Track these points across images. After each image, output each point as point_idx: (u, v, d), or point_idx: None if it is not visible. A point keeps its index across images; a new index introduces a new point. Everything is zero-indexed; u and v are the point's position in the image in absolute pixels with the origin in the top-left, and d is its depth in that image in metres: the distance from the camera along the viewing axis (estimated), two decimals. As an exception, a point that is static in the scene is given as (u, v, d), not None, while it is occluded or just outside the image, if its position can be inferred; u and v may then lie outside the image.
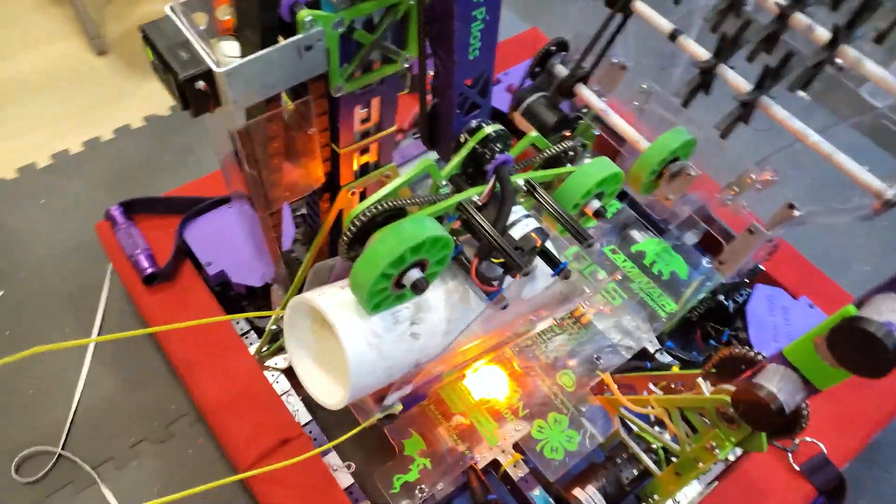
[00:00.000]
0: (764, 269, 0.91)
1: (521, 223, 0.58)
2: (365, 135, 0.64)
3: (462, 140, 0.60)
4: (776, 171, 0.78)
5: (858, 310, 0.48)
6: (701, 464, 0.64)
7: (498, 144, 0.60)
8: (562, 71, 0.85)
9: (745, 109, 0.69)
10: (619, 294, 0.87)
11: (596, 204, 0.65)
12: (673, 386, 0.74)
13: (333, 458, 0.78)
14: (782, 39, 0.70)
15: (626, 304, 0.87)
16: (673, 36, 0.74)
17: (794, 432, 0.63)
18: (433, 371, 0.65)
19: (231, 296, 0.87)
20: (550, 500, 0.77)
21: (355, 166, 0.67)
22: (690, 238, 0.98)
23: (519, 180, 0.61)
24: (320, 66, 0.52)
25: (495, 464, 0.78)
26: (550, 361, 0.83)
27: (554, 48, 0.84)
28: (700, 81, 0.72)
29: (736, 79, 0.71)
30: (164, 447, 0.85)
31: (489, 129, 0.60)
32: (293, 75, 0.51)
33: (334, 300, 0.54)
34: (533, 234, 0.57)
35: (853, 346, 0.46)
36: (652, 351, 0.88)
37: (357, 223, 0.53)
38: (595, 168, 0.63)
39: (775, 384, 0.54)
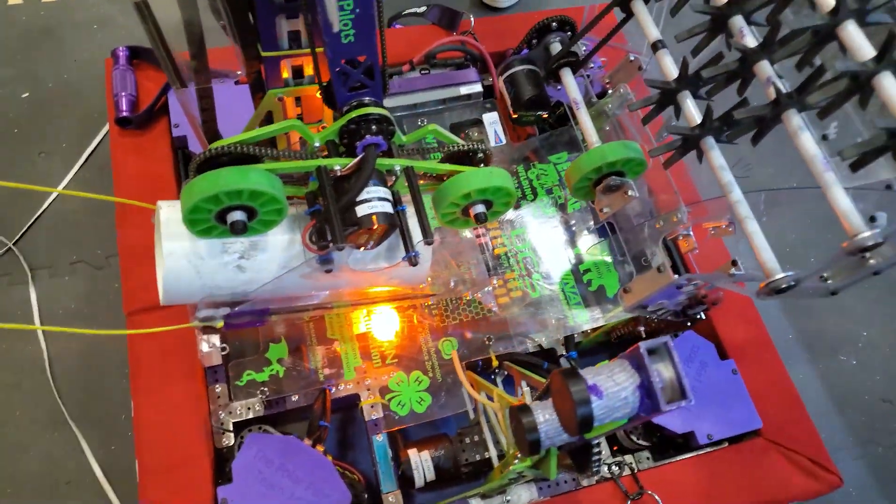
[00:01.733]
0: (704, 317, 0.87)
1: (371, 204, 0.61)
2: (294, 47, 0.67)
3: (344, 111, 0.62)
4: (731, 222, 0.75)
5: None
6: (505, 471, 0.65)
7: (375, 126, 0.62)
8: (557, 50, 0.83)
9: (686, 145, 0.66)
10: (543, 287, 0.87)
11: (480, 208, 0.66)
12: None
13: (214, 338, 0.84)
14: (748, 83, 0.65)
15: (543, 299, 0.86)
16: (655, 46, 0.71)
17: (587, 468, 0.62)
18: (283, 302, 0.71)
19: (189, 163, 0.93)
20: (389, 450, 0.80)
21: (285, 74, 0.70)
22: (658, 258, 0.94)
23: (397, 166, 0.63)
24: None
25: (358, 397, 0.82)
26: (443, 324, 0.85)
27: (555, 24, 0.82)
28: (658, 100, 0.69)
29: (689, 110, 0.67)
30: (97, 273, 0.95)
31: (371, 110, 0.61)
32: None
33: (176, 215, 0.59)
34: (374, 217, 0.61)
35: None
36: (558, 354, 0.87)
37: (200, 158, 0.58)
38: (480, 177, 0.65)
39: (543, 415, 0.54)
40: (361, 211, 0.62)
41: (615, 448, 0.88)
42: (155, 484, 0.74)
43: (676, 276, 0.72)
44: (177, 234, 0.61)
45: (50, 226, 0.98)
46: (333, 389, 0.82)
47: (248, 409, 0.81)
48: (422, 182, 0.72)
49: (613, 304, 0.86)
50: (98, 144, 1.04)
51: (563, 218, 0.92)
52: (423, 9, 1.08)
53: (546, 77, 0.84)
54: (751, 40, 0.64)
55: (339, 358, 0.83)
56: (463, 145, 0.70)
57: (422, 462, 0.81)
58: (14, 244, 0.96)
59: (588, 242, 0.90)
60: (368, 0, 0.54)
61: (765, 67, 0.61)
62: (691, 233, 0.76)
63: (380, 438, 0.82)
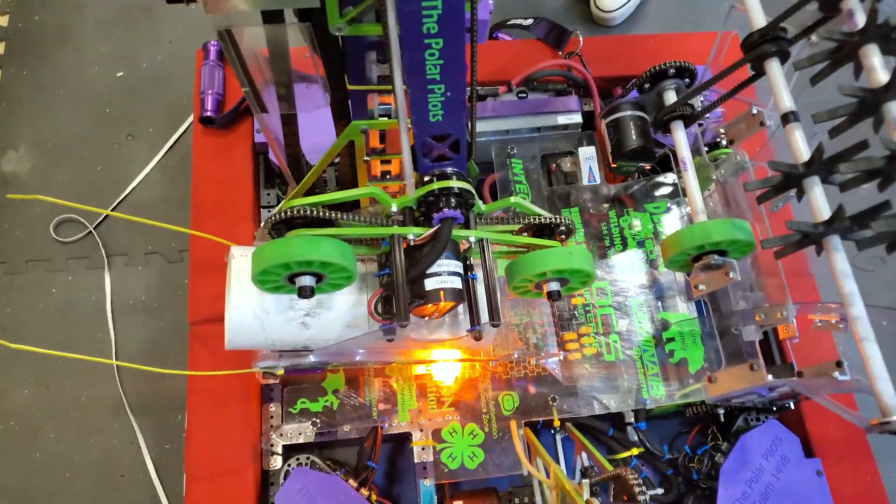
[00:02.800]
0: (792, 407, 0.79)
1: (441, 278, 0.60)
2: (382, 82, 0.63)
3: (426, 180, 0.59)
4: (843, 319, 0.67)
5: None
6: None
7: (454, 200, 0.59)
8: (671, 99, 0.75)
9: (804, 241, 0.58)
10: (619, 350, 0.81)
11: (554, 286, 0.63)
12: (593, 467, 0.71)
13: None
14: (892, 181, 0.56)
15: (618, 363, 0.80)
16: (786, 118, 0.62)
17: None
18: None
19: (269, 169, 0.91)
20: (435, 497, 0.77)
21: (371, 105, 0.66)
22: (750, 333, 0.86)
23: (472, 237, 0.60)
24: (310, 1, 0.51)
25: (410, 436, 0.79)
26: (506, 376, 0.80)
27: (673, 70, 0.74)
28: (780, 184, 0.61)
29: (816, 201, 0.59)
30: (170, 267, 0.95)
31: (452, 183, 0.59)
32: (274, 0, 0.51)
33: (247, 266, 0.60)
34: (441, 293, 0.59)
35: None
36: (626, 420, 0.82)
37: (273, 219, 0.59)
38: (558, 257, 0.63)
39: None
40: (430, 285, 0.60)
41: (674, 528, 0.82)
42: (200, 498, 0.74)
43: (771, 377, 0.65)
44: (245, 287, 0.62)
45: (129, 212, 0.99)
46: (386, 426, 0.80)
47: (300, 433, 0.80)
48: (498, 249, 0.68)
49: (695, 380, 0.80)
50: (183, 133, 1.03)
51: (653, 276, 0.85)
52: (529, 21, 1.01)
53: (655, 127, 0.76)
54: (905, 135, 0.54)
55: (394, 395, 0.80)
56: (546, 218, 0.64)
57: (467, 518, 0.78)
58: (94, 228, 0.97)
59: (678, 308, 0.83)
60: (461, 86, 0.49)
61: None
62: (794, 319, 0.68)
63: (427, 483, 0.79)
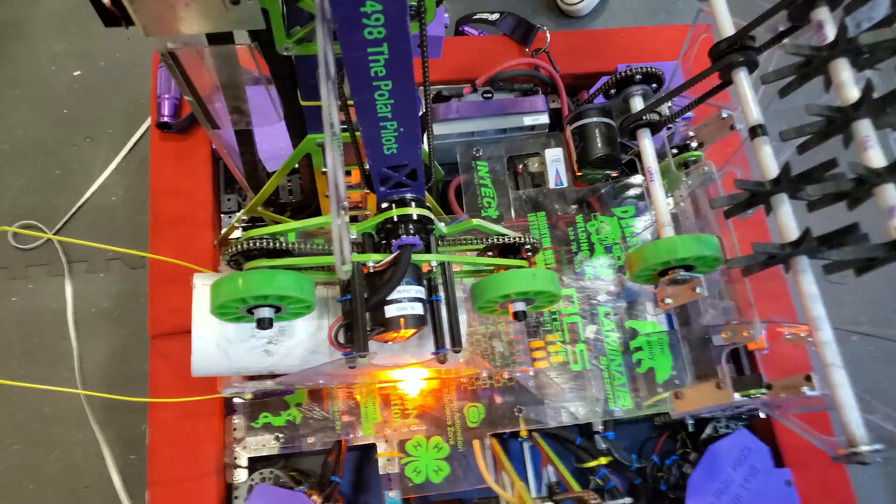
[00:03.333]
0: (763, 416, 0.78)
1: (401, 305, 0.58)
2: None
3: (384, 207, 0.56)
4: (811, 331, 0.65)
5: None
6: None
7: (413, 227, 0.58)
8: (638, 105, 0.72)
9: (771, 261, 0.56)
10: (584, 360, 0.79)
11: (520, 307, 0.61)
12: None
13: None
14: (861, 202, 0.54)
15: (585, 373, 0.78)
16: (754, 132, 0.60)
17: None
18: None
19: (229, 173, 0.88)
20: (401, 507, 0.75)
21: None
22: (718, 341, 0.84)
23: (433, 262, 0.59)
24: (255, 22, 0.47)
25: (375, 447, 0.78)
26: (472, 386, 0.78)
27: (640, 77, 0.70)
28: (748, 200, 0.58)
29: (784, 219, 0.56)
30: (132, 273, 0.91)
31: (413, 211, 0.57)
32: (217, 24, 0.47)
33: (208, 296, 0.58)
34: (401, 320, 0.58)
35: None
36: (594, 429, 0.80)
37: (230, 251, 0.57)
38: (522, 279, 0.62)
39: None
40: (390, 312, 0.58)
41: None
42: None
43: (738, 396, 0.63)
44: (207, 317, 0.61)
45: (89, 218, 0.96)
46: (350, 436, 0.77)
47: (264, 445, 0.77)
48: (463, 268, 0.66)
49: (663, 389, 0.78)
50: (143, 134, 0.99)
51: (621, 282, 0.83)
52: (495, 16, 0.97)
53: (621, 133, 0.73)
54: (876, 156, 0.52)
55: (358, 407, 0.78)
56: (511, 238, 0.62)
57: (433, 530, 0.76)
58: (54, 233, 0.94)
59: (646, 316, 0.81)
60: (414, 120, 0.46)
61: (890, 194, 0.49)
62: (759, 338, 0.66)
63: (393, 495, 0.77)
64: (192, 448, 0.76)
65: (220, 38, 0.53)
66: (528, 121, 0.89)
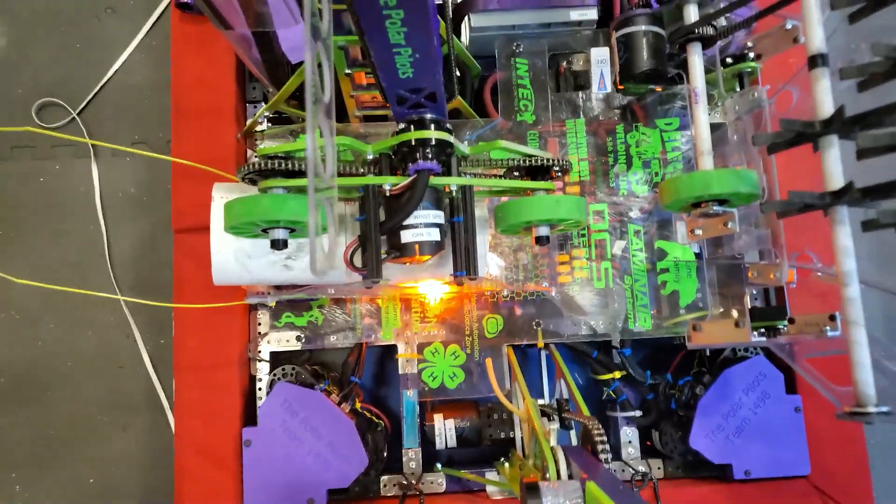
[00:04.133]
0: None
1: (417, 231, 0.58)
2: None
3: (402, 127, 0.54)
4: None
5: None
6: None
7: (432, 150, 0.56)
8: (692, 14, 0.67)
9: (807, 208, 0.54)
10: (608, 278, 0.79)
11: (543, 231, 0.60)
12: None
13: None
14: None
15: (609, 291, 0.79)
16: (813, 61, 0.56)
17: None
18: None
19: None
20: (417, 406, 0.80)
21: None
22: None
23: (454, 185, 0.56)
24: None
25: (395, 348, 0.82)
26: (493, 299, 0.80)
27: (698, -20, 0.65)
28: (794, 139, 0.55)
29: (831, 164, 0.54)
30: (157, 160, 0.92)
31: (432, 134, 0.55)
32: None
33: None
34: (417, 246, 0.58)
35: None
36: (612, 344, 0.82)
37: (245, 169, 0.57)
38: (545, 206, 0.61)
39: (552, 498, 0.51)
40: (406, 237, 0.59)
41: (648, 443, 0.85)
42: (190, 412, 0.78)
43: (755, 335, 0.64)
44: (224, 233, 0.60)
45: (113, 98, 0.95)
46: (371, 338, 0.81)
47: (287, 341, 0.82)
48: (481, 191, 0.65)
49: (685, 312, 0.79)
50: (165, 8, 0.96)
51: (654, 200, 0.81)
52: None
53: (670, 44, 0.68)
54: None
55: (379, 311, 0.81)
56: (538, 159, 0.60)
57: (446, 429, 0.81)
58: (78, 114, 0.94)
59: (677, 237, 0.80)
60: (431, 45, 0.43)
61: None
62: (784, 281, 0.66)
63: (410, 394, 0.82)
64: (216, 340, 0.81)
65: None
66: (574, 15, 0.83)
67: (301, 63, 0.81)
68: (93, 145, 0.94)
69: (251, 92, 0.88)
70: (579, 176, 0.83)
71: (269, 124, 0.86)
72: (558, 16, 0.83)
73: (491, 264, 0.80)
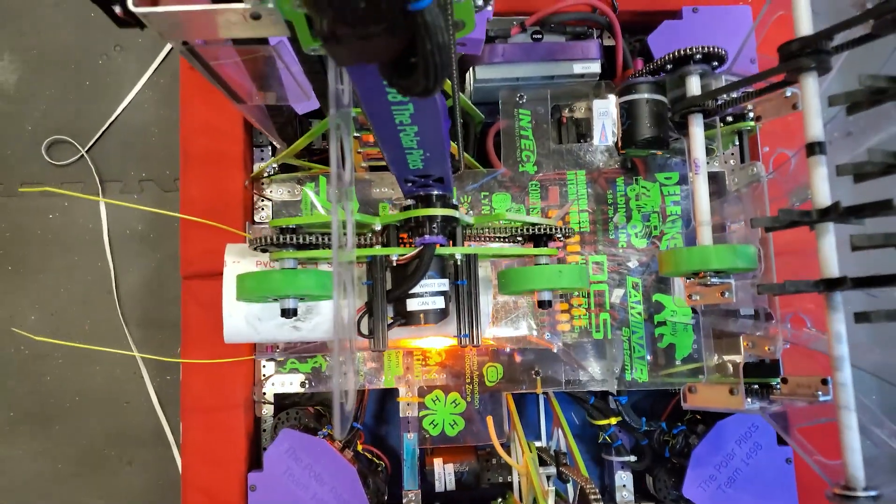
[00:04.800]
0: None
1: (423, 300, 0.58)
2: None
3: (408, 203, 0.56)
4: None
5: None
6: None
7: (437, 225, 0.58)
8: (694, 86, 0.68)
9: (804, 290, 0.56)
10: (606, 329, 0.81)
11: (545, 296, 0.60)
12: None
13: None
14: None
15: (607, 342, 0.81)
16: (811, 148, 0.57)
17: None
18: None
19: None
20: (417, 450, 0.82)
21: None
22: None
23: (459, 254, 0.58)
24: (278, 31, 0.45)
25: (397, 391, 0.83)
26: (494, 346, 0.81)
27: (700, 56, 0.66)
28: (790, 224, 0.57)
29: (825, 251, 0.55)
30: (166, 196, 0.94)
31: (438, 212, 0.57)
32: (240, 32, 0.45)
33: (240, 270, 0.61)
34: (422, 315, 0.59)
35: None
36: (609, 392, 0.84)
37: (258, 241, 0.60)
38: (547, 276, 0.61)
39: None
40: (412, 306, 0.60)
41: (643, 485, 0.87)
42: (196, 454, 0.79)
43: (749, 402, 0.65)
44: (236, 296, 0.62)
45: (121, 136, 0.96)
46: (373, 382, 0.83)
47: (291, 384, 0.83)
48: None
49: (682, 363, 0.80)
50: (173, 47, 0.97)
51: (653, 254, 0.82)
52: (555, -62, 0.88)
53: (671, 113, 0.70)
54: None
55: (381, 357, 0.82)
56: (541, 227, 0.62)
57: (445, 473, 0.83)
58: (87, 152, 0.95)
59: (675, 291, 0.81)
60: (441, 145, 0.45)
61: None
62: (780, 355, 0.68)
63: (410, 437, 0.84)
64: (222, 383, 0.83)
65: (245, 39, 0.51)
66: (578, 68, 0.84)
67: (307, 114, 0.83)
68: (100, 183, 0.95)
69: (258, 136, 0.89)
70: (579, 226, 0.84)
71: (276, 167, 0.87)
72: (562, 69, 0.84)
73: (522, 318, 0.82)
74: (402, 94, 0.33)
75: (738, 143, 0.81)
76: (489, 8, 0.64)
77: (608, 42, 0.88)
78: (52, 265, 0.94)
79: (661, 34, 0.85)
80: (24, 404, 0.92)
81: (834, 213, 0.54)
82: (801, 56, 0.57)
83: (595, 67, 0.84)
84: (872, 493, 0.53)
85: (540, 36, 0.85)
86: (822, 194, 0.56)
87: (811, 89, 0.58)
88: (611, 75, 0.87)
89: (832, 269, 0.55)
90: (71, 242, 0.95)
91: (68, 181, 0.95)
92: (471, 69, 0.85)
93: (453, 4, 0.42)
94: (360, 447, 0.84)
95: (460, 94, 0.82)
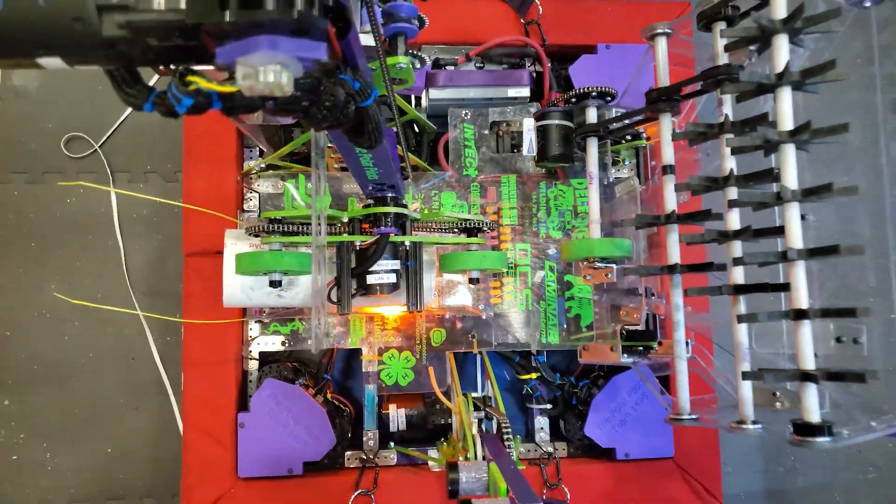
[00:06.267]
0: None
1: (379, 276, 0.77)
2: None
3: (369, 202, 0.75)
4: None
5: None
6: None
7: (391, 218, 0.76)
8: (591, 115, 0.88)
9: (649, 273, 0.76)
10: (528, 302, 1.02)
11: (474, 274, 0.80)
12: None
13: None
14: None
15: (528, 312, 1.01)
16: (664, 169, 0.77)
17: None
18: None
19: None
20: (376, 397, 1.01)
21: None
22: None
23: (408, 241, 0.77)
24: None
25: (360, 351, 1.02)
26: (441, 313, 1.01)
27: (595, 93, 0.86)
28: (649, 222, 0.77)
29: (670, 245, 0.76)
30: (168, 186, 1.12)
31: (391, 209, 0.76)
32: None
33: (238, 251, 0.78)
34: (378, 287, 0.76)
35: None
36: (533, 350, 1.04)
37: (253, 229, 0.78)
38: (474, 259, 0.80)
39: (465, 474, 0.73)
40: (370, 280, 0.79)
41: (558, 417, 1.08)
42: (195, 399, 0.98)
43: (624, 357, 0.86)
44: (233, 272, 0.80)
45: (130, 133, 1.13)
46: (341, 343, 1.02)
47: (273, 344, 1.02)
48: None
49: (587, 330, 1.01)
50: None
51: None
52: (496, -18, 1.08)
53: (575, 136, 0.90)
54: (732, 219, 0.70)
55: (348, 322, 1.02)
56: (471, 222, 0.81)
57: (398, 416, 1.03)
58: (99, 146, 1.12)
59: (575, 274, 1.02)
60: (391, 166, 0.64)
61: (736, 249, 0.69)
62: (664, 301, 0.88)
63: (371, 388, 1.03)
64: (217, 343, 1.01)
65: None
66: (511, 92, 1.04)
67: (290, 125, 1.01)
68: (111, 173, 1.12)
69: (248, 138, 1.07)
70: (510, 220, 1.04)
71: (263, 165, 1.06)
72: (499, 92, 1.04)
73: (460, 288, 1.02)
74: (355, 145, 0.52)
75: (636, 157, 1.03)
76: (427, 66, 0.83)
77: (540, 69, 1.08)
78: (70, 243, 1.12)
79: (580, 66, 1.06)
80: (46, 360, 1.10)
81: (673, 217, 0.75)
82: (659, 101, 0.77)
83: (525, 92, 1.04)
84: (694, 416, 0.75)
85: (482, 65, 1.05)
86: (669, 203, 0.77)
87: (665, 126, 0.78)
88: (540, 97, 1.07)
89: (675, 257, 0.76)
90: (86, 224, 1.12)
91: (84, 171, 1.13)
92: (426, 90, 1.04)
93: (405, 69, 0.62)
94: (329, 396, 1.04)
95: (412, 109, 1.01)
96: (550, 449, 1.06)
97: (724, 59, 0.72)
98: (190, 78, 0.34)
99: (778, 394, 0.78)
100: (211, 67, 0.34)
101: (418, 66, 0.66)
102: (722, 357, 0.87)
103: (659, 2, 1.12)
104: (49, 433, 1.08)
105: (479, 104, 1.05)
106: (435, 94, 1.03)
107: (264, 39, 0.31)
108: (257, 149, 1.07)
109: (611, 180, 1.03)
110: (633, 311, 0.87)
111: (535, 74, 1.07)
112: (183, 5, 0.31)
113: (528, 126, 1.04)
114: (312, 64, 0.33)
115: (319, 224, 0.59)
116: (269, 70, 0.31)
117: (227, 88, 0.33)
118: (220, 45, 0.32)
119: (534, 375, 1.06)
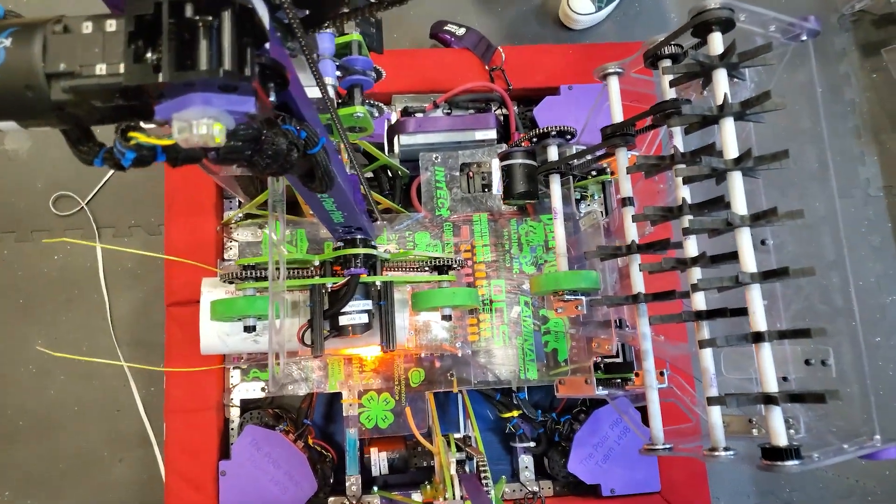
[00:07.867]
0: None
1: (351, 316, 0.79)
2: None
3: (338, 245, 0.78)
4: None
5: None
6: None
7: (360, 259, 0.79)
8: (552, 153, 0.92)
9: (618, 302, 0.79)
10: (506, 338, 1.04)
11: (446, 311, 0.83)
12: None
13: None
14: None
15: (506, 348, 1.04)
16: (623, 202, 0.81)
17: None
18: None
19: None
20: (357, 441, 1.03)
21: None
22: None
23: (378, 281, 0.80)
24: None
25: (340, 395, 1.04)
26: (419, 353, 1.04)
27: (555, 133, 0.90)
28: (610, 253, 0.80)
29: (634, 275, 0.78)
30: (150, 238, 1.15)
31: (361, 251, 0.79)
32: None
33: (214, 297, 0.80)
34: (350, 328, 0.79)
35: None
36: (512, 388, 1.06)
37: (227, 276, 0.81)
38: (444, 295, 0.83)
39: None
40: (343, 321, 0.81)
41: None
42: (177, 447, 1.00)
43: (598, 390, 0.88)
44: (209, 320, 0.83)
45: (114, 190, 1.18)
46: (321, 387, 1.04)
47: (254, 390, 1.04)
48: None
49: (564, 364, 1.03)
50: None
51: (540, 279, 1.05)
52: (462, 30, 1.13)
53: (538, 173, 0.94)
54: (691, 246, 0.73)
55: (327, 366, 1.04)
56: (440, 259, 0.85)
57: (380, 460, 1.05)
58: (86, 204, 1.17)
59: (547, 307, 1.04)
60: (354, 210, 0.67)
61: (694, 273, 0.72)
62: (615, 349, 0.90)
63: (352, 432, 1.05)
64: (198, 391, 1.03)
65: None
66: (478, 135, 1.08)
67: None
68: (97, 229, 1.16)
69: (227, 189, 1.11)
70: (483, 257, 1.07)
71: (241, 215, 1.10)
72: (466, 136, 1.08)
73: (436, 327, 1.04)
74: (309, 189, 0.56)
75: (602, 191, 1.06)
76: (387, 113, 0.88)
77: (506, 112, 1.13)
78: (56, 298, 1.15)
79: (544, 107, 1.11)
80: (33, 413, 1.12)
81: (634, 248, 0.78)
82: (614, 137, 0.81)
83: (492, 134, 1.08)
84: (668, 446, 0.77)
85: (449, 110, 1.10)
86: (630, 233, 0.80)
87: (622, 160, 0.82)
88: (507, 139, 1.12)
89: (639, 286, 0.79)
90: (72, 279, 1.15)
91: (71, 228, 1.16)
92: (396, 136, 1.08)
93: (362, 118, 0.66)
94: (310, 441, 1.05)
95: (389, 156, 1.06)
96: (536, 488, 1.07)
97: (671, 94, 0.76)
98: (131, 134, 0.37)
99: (754, 420, 0.80)
100: (153, 126, 0.38)
101: (376, 114, 0.70)
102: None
103: (616, 43, 1.17)
104: (34, 488, 1.10)
105: (448, 147, 1.09)
106: (406, 139, 1.07)
107: (197, 97, 0.35)
108: (237, 199, 1.11)
109: (581, 215, 1.06)
110: (604, 343, 0.89)
111: (501, 118, 1.12)
112: (122, 70, 0.35)
113: (496, 166, 1.08)
114: (243, 117, 0.37)
115: (277, 269, 0.62)
116: (202, 123, 0.34)
117: (164, 142, 0.37)
118: (158, 104, 0.36)
119: (515, 413, 1.08)
